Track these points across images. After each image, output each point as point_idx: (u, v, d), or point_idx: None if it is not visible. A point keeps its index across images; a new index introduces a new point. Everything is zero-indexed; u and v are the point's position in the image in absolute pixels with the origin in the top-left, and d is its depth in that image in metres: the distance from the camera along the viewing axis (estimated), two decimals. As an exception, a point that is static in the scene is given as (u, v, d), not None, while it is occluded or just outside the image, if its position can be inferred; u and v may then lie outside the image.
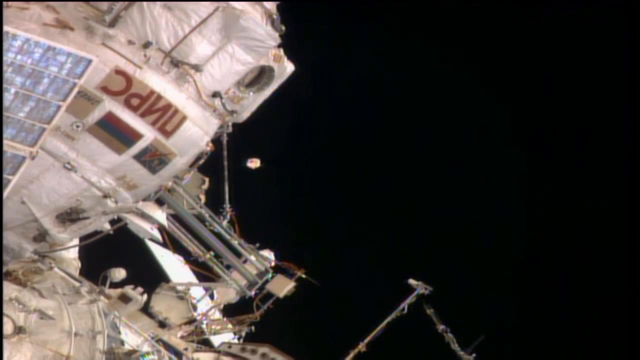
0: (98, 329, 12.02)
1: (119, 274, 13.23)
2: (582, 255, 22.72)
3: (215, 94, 12.09)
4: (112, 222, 12.59)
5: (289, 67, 12.73)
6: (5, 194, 11.14)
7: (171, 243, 14.17)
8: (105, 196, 12.05)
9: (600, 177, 23.00)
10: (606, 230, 22.61)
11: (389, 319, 14.51)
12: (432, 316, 14.79)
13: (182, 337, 14.59)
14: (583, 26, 22.54)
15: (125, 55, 11.56)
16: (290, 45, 12.60)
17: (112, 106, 11.59)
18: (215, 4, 11.67)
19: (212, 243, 14.16)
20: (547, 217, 23.46)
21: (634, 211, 22.25)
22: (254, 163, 14.58)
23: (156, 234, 12.28)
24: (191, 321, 15.04)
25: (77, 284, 12.95)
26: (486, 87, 23.04)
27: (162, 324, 14.63)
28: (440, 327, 14.75)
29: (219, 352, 14.17)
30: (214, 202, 14.46)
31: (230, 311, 15.49)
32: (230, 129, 13.10)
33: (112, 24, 11.53)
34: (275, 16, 12.17)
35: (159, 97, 11.71)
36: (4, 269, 12.44)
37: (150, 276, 15.36)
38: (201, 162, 12.92)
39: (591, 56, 23.02)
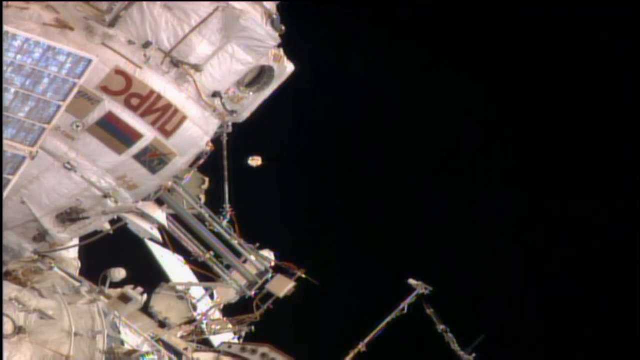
0: (98, 329, 12.01)
1: (119, 274, 13.22)
2: (583, 255, 22.72)
3: (215, 94, 12.09)
4: (112, 222, 12.59)
5: (289, 67, 12.73)
6: (5, 194, 11.13)
7: (171, 243, 14.16)
8: (105, 196, 12.05)
9: (598, 176, 23.00)
10: (607, 230, 22.61)
11: (389, 319, 14.52)
12: (432, 316, 14.79)
13: (182, 337, 14.59)
14: (582, 25, 22.54)
15: (125, 55, 11.55)
16: (290, 45, 12.60)
17: (112, 106, 11.59)
18: (215, 4, 11.67)
19: (212, 243, 14.16)
20: (547, 216, 23.47)
21: (633, 211, 22.26)
22: (255, 161, 14.60)
23: (156, 234, 12.27)
24: (191, 321, 15.04)
25: (77, 284, 12.95)
26: (486, 87, 23.05)
27: (162, 324, 14.64)
28: (440, 327, 14.75)
29: (219, 352, 14.18)
30: (214, 202, 14.46)
31: (230, 311, 15.49)
32: (230, 129, 13.10)
33: (112, 24, 11.53)
34: (275, 16, 12.17)
35: (159, 97, 11.71)
36: (4, 269, 12.44)
37: (150, 276, 15.37)
38: (201, 162, 12.92)
39: (591, 54, 23.02)
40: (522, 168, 23.56)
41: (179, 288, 15.21)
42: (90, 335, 11.91)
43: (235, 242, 14.44)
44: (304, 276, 14.67)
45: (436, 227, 22.72)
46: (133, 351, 12.10)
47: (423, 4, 22.14)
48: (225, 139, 13.48)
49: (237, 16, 11.72)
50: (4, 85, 10.58)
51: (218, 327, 15.30)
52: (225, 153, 13.85)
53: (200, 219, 14.15)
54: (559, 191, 23.43)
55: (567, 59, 23.21)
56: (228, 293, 14.97)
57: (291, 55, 12.70)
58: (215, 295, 15.51)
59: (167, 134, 11.91)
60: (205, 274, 14.54)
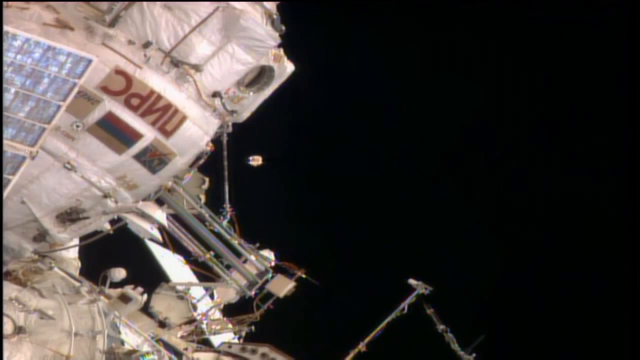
0: (98, 329, 12.03)
1: (119, 274, 13.22)
2: (583, 255, 22.72)
3: (215, 94, 12.09)
4: (112, 222, 12.58)
5: (289, 67, 12.73)
6: (5, 194, 11.14)
7: (171, 243, 14.17)
8: (105, 196, 12.05)
9: (599, 175, 23.01)
10: (609, 229, 22.61)
11: (389, 319, 14.53)
12: (432, 316, 14.80)
13: (182, 337, 14.60)
14: (581, 26, 22.54)
15: (125, 55, 11.55)
16: (290, 45, 12.60)
17: (112, 106, 11.59)
18: (215, 4, 11.67)
19: (212, 243, 14.17)
20: (547, 216, 23.47)
21: (633, 212, 22.27)
22: (255, 161, 14.60)
23: (156, 234, 12.27)
24: (191, 321, 15.05)
25: (77, 284, 12.96)
26: (485, 87, 23.06)
27: (162, 324, 14.65)
28: (440, 327, 14.76)
29: (219, 352, 14.18)
30: (214, 202, 14.46)
31: (230, 311, 15.50)
32: (230, 129, 13.10)
33: (112, 24, 11.54)
34: (275, 16, 12.17)
35: (159, 97, 11.70)
36: (4, 269, 12.44)
37: (150, 276, 15.37)
38: (201, 162, 12.92)
39: (594, 58, 23.04)
40: (522, 169, 23.57)
41: (179, 288, 15.23)
42: (90, 335, 11.93)
43: (235, 242, 14.45)
44: (304, 276, 14.68)
45: (436, 227, 22.72)
46: (133, 351, 12.10)
47: (423, 5, 22.15)
48: (225, 139, 13.49)
49: (237, 16, 11.72)
50: (4, 85, 10.58)
51: (218, 327, 15.30)
52: (225, 153, 13.85)
53: (200, 219, 14.16)
54: (560, 191, 23.43)
55: (570, 65, 23.22)
56: (228, 293, 14.98)
57: (291, 55, 12.70)
58: (215, 295, 15.52)
59: (167, 134, 11.91)
60: (205, 274, 14.55)
